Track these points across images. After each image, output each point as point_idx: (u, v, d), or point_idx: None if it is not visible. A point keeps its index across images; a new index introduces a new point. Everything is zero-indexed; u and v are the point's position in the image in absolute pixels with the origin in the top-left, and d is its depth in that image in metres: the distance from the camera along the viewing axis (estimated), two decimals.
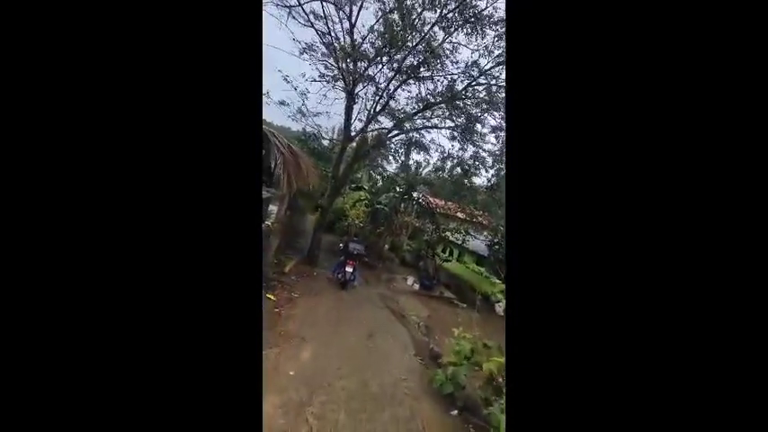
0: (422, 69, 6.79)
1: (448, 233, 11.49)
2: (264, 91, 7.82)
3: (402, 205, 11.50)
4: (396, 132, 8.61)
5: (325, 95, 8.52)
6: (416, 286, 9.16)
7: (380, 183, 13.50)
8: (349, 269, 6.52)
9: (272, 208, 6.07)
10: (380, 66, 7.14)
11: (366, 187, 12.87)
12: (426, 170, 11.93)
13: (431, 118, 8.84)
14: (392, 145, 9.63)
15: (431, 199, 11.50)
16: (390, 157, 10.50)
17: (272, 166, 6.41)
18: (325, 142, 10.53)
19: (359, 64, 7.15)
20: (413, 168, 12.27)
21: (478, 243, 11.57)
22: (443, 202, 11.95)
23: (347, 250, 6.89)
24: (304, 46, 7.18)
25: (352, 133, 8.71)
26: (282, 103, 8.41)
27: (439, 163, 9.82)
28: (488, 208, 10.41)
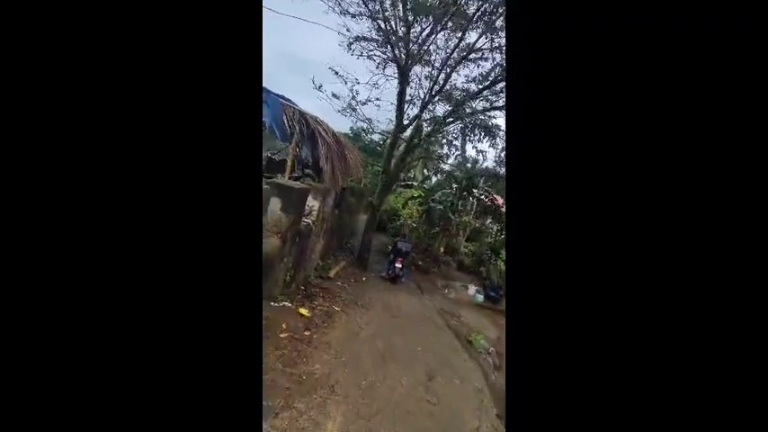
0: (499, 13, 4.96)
1: None
2: (318, 85, 7.04)
3: (460, 203, 9.63)
4: (454, 118, 6.90)
5: (375, 84, 7.18)
6: (480, 297, 7.29)
7: (435, 179, 11.76)
8: (398, 265, 6.55)
9: (313, 203, 4.90)
10: (440, 29, 5.53)
11: (416, 184, 11.26)
12: (487, 163, 9.80)
13: (495, 100, 6.92)
14: (449, 135, 7.91)
15: (495, 196, 9.37)
16: (447, 148, 8.72)
17: (318, 155, 5.34)
18: (376, 137, 9.27)
19: (412, 34, 5.66)
20: (470, 161, 10.22)
21: None
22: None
23: (396, 248, 6.78)
24: (355, 36, 6.01)
25: (405, 122, 7.24)
26: (334, 95, 7.42)
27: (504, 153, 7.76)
28: None
